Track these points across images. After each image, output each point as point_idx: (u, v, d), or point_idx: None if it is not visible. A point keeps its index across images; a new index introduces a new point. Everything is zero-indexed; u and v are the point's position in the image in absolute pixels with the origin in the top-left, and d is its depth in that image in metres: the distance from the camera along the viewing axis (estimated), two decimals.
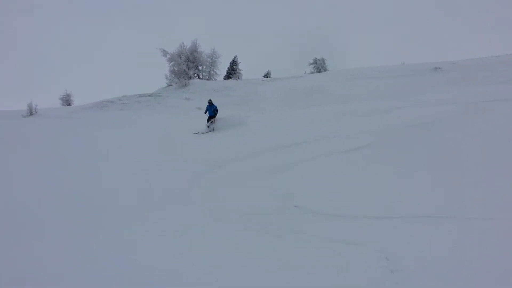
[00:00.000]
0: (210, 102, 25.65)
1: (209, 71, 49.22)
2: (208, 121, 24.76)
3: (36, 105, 31.80)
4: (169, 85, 45.12)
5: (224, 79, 53.06)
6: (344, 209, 10.51)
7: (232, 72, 55.59)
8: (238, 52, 55.92)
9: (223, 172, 15.32)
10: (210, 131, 24.16)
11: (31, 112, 31.27)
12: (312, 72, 50.78)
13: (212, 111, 25.11)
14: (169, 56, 44.21)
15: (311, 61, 52.64)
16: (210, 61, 48.89)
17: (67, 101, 50.86)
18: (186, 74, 43.67)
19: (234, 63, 56.35)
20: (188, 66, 44.90)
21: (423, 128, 16.68)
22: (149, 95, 38.84)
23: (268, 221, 10.30)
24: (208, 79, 48.22)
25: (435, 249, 7.65)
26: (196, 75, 47.32)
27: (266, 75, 58.02)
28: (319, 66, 51.42)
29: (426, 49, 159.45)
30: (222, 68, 53.47)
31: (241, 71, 56.04)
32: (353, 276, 6.93)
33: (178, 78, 43.47)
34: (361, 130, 17.68)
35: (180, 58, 44.73)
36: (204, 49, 48.74)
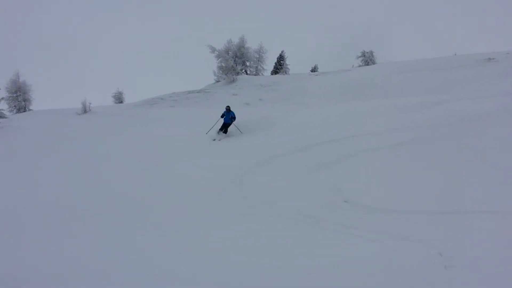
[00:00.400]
0: (228, 109, 23.92)
1: (256, 67, 49.40)
2: (221, 129, 23.06)
3: (90, 103, 32.86)
4: (217, 81, 45.56)
5: (271, 74, 53.12)
6: (395, 203, 10.35)
7: (279, 67, 55.55)
8: (285, 47, 55.69)
9: (270, 168, 15.35)
10: (218, 139, 22.26)
11: (85, 110, 32.31)
12: (360, 65, 50.16)
13: (229, 118, 23.40)
14: (217, 52, 44.63)
15: (359, 54, 52.02)
16: (257, 56, 49.06)
17: (119, 98, 52.27)
18: (233, 70, 43.99)
19: (281, 58, 56.29)
20: (236, 62, 45.21)
21: (475, 122, 16.09)
22: (197, 92, 39.37)
23: (318, 216, 10.26)
24: (255, 75, 48.40)
25: (490, 245, 7.44)
26: (243, 70, 47.57)
27: (314, 69, 57.70)
28: (368, 59, 50.73)
29: (478, 39, 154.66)
30: (269, 63, 53.64)
31: (288, 66, 55.97)
32: (407, 272, 6.81)
33: (226, 74, 43.85)
34: (411, 124, 17.30)
35: (228, 54, 45.07)
36: (251, 44, 49.09)
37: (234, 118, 23.41)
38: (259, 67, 49.44)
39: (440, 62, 38.15)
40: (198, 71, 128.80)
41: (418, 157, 13.58)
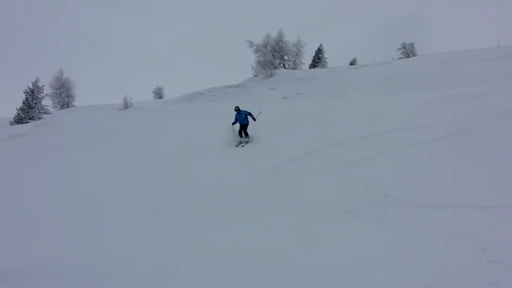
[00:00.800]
0: (237, 109, 20.38)
1: (295, 60, 49.27)
2: (240, 133, 20.12)
3: (131, 99, 33.56)
4: (255, 76, 45.69)
5: (310, 68, 52.83)
6: (436, 198, 10.15)
7: (317, 60, 55.18)
8: (323, 40, 55.26)
9: (307, 163, 15.23)
10: (241, 144, 19.79)
11: (126, 106, 33.01)
12: (400, 58, 49.34)
13: (243, 118, 20.12)
14: (255, 47, 44.74)
15: (399, 46, 51.14)
16: (296, 50, 48.92)
17: (159, 94, 53.13)
18: (271, 64, 44.03)
19: (319, 51, 55.89)
20: (274, 56, 45.23)
21: None
22: (236, 86, 39.56)
23: (356, 211, 10.20)
24: (293, 69, 48.27)
25: None
26: (281, 65, 47.53)
27: (352, 63, 57.10)
28: (408, 51, 49.83)
29: None
30: (308, 57, 53.47)
31: (327, 59, 55.54)
32: (449, 267, 6.72)
33: (264, 69, 43.94)
34: (452, 117, 16.94)
35: (266, 48, 45.12)
36: (290, 38, 48.99)
37: (249, 113, 20.24)
38: (297, 61, 49.29)
39: (482, 53, 37.20)
40: (237, 65, 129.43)
41: (457, 150, 13.30)
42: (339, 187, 12.21)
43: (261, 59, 44.65)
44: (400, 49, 50.91)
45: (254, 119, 20.05)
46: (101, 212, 12.61)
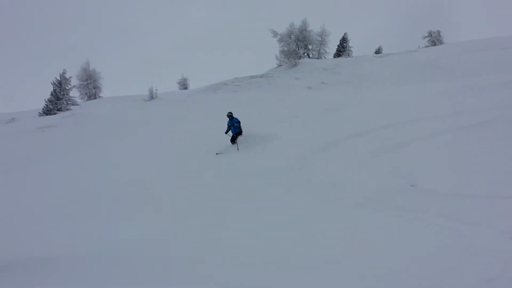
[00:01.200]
0: (230, 116, 19.51)
1: (319, 50, 49.03)
2: (232, 140, 19.27)
3: (157, 90, 33.94)
4: (280, 66, 45.63)
5: (334, 57, 52.49)
6: (464, 188, 10.00)
7: (342, 49, 54.78)
8: (348, 29, 54.72)
9: (335, 151, 15.18)
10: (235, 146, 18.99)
11: (152, 96, 33.38)
12: (426, 46, 48.66)
13: (235, 126, 19.33)
14: (279, 36, 44.62)
15: (426, 34, 50.45)
16: (320, 39, 48.67)
17: (183, 85, 53.53)
18: (296, 53, 43.87)
19: (344, 40, 55.45)
20: (298, 45, 45.07)
21: None
22: (260, 76, 39.57)
23: (382, 200, 10.12)
24: (317, 58, 48.03)
25: None
26: (305, 54, 47.34)
27: (378, 51, 56.51)
28: (434, 39, 49.14)
29: None
30: (332, 46, 53.10)
31: (351, 48, 55.10)
32: (478, 258, 6.61)
33: (288, 58, 43.84)
34: (481, 105, 16.65)
35: (290, 38, 44.97)
36: (314, 27, 48.56)
37: (239, 122, 19.37)
38: (321, 50, 49.05)
39: (510, 40, 36.39)
40: (261, 56, 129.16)
41: (485, 140, 13.12)
42: (363, 178, 12.14)
43: (285, 48, 44.52)
44: (426, 37, 50.25)
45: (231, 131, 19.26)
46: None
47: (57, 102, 41.43)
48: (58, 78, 42.86)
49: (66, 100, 42.14)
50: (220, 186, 13.66)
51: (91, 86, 52.14)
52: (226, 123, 19.47)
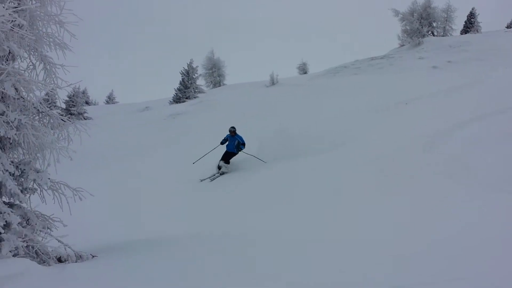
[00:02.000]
0: (232, 131, 17.27)
1: (444, 27, 46.78)
2: (222, 161, 17.31)
3: (277, 75, 34.76)
4: (402, 46, 44.37)
5: (461, 34, 49.80)
6: None
7: (469, 26, 51.73)
8: (476, 3, 51.48)
9: (465, 135, 14.53)
10: (219, 174, 17.12)
11: (273, 82, 34.27)
12: None
13: (234, 145, 17.22)
14: (401, 15, 43.37)
15: None
16: (445, 16, 46.39)
17: (303, 69, 53.90)
18: (419, 32, 42.39)
19: (471, 15, 52.30)
20: (421, 23, 43.39)
21: None
22: (381, 58, 38.81)
23: None
24: (443, 36, 45.92)
25: None
26: (429, 32, 45.48)
27: (509, 26, 52.62)
28: None
29: None
30: (459, 23, 50.28)
31: (480, 24, 51.84)
32: None
33: (410, 38, 42.52)
34: None
35: (413, 16, 43.46)
36: (438, 4, 46.42)
37: (243, 144, 17.21)
38: (447, 27, 46.71)
39: None
40: (380, 36, 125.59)
41: None
42: (505, 160, 11.50)
43: (408, 27, 43.17)
44: None
45: (241, 149, 17.28)
46: None
47: (185, 91, 43.87)
48: (186, 67, 45.37)
49: (193, 88, 44.49)
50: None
51: (215, 74, 54.26)
52: (224, 137, 17.53)
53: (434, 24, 46.10)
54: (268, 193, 12.95)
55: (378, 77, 29.68)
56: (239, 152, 17.34)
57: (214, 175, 17.06)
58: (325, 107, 22.72)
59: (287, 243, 8.10)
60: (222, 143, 17.47)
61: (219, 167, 17.20)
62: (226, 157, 17.30)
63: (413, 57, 35.62)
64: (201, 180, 16.77)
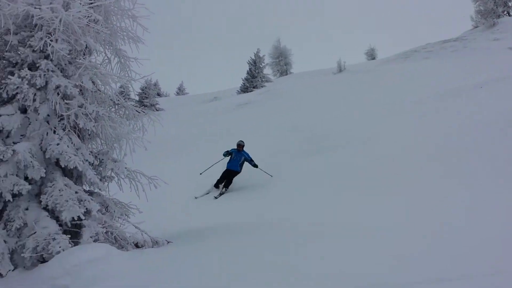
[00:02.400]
0: (240, 146, 14.97)
1: None
2: (222, 179, 14.59)
3: (345, 62, 34.36)
4: (475, 27, 42.60)
5: None
6: None
7: None
8: None
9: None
10: (220, 194, 14.32)
11: (340, 69, 33.91)
12: None
13: (239, 163, 14.74)
14: None
15: None
16: None
17: (371, 55, 53.01)
18: (494, 12, 40.50)
19: None
20: (496, 3, 41.41)
21: None
22: (454, 40, 37.43)
23: None
24: None
25: None
26: (505, 12, 43.33)
27: None
28: None
29: None
30: None
31: None
32: None
33: (485, 18, 40.70)
34: None
35: None
36: None
37: (251, 161, 14.78)
38: None
39: None
40: (452, 20, 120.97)
41: None
42: None
43: (482, 8, 41.34)
44: None
45: (254, 165, 14.62)
46: None
47: (252, 80, 44.28)
48: (253, 57, 45.71)
49: (260, 77, 44.82)
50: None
51: (282, 63, 54.43)
52: (229, 150, 15.11)
53: (510, 4, 43.87)
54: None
55: (451, 60, 28.59)
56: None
57: (217, 192, 14.53)
58: (395, 94, 22.03)
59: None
60: (224, 155, 15.05)
61: (218, 187, 14.64)
62: (229, 177, 14.65)
63: (487, 39, 34.09)
64: (196, 198, 14.31)
